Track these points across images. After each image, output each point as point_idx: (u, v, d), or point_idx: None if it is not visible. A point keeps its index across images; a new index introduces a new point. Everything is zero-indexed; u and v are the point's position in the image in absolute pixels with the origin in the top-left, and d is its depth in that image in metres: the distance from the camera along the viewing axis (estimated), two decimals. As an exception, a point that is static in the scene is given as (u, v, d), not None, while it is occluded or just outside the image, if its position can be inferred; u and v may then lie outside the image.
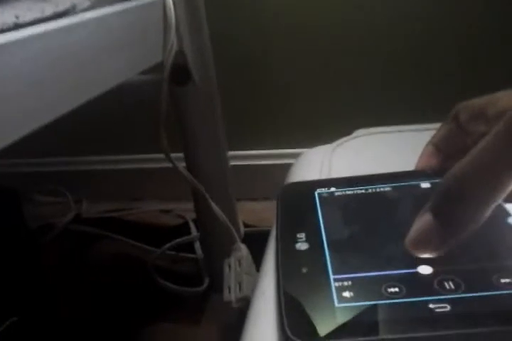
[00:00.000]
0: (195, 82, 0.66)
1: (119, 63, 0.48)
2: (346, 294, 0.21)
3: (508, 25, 0.89)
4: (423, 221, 0.22)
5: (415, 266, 0.22)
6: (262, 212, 1.02)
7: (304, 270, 0.23)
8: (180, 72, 0.64)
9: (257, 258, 0.61)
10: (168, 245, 0.92)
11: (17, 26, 0.39)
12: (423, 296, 0.21)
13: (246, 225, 0.93)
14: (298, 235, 0.26)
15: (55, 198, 1.14)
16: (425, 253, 0.22)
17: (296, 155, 1.10)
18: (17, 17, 0.39)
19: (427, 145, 0.32)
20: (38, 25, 0.40)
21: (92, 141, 1.10)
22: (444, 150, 0.31)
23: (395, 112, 0.88)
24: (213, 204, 0.66)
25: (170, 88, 0.59)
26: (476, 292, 0.21)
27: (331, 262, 0.24)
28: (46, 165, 1.15)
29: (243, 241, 0.64)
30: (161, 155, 0.62)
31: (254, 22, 0.95)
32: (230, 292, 0.60)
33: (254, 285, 0.62)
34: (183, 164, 0.71)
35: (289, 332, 0.20)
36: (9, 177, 1.00)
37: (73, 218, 1.08)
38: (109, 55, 0.46)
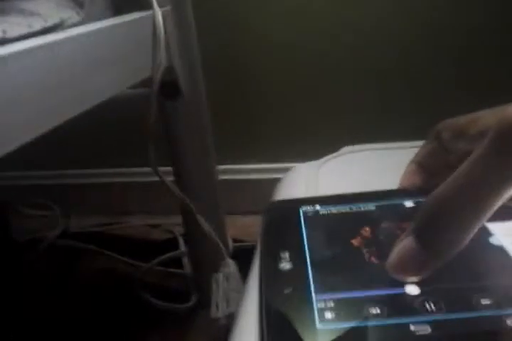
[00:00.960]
0: (184, 97, 0.66)
1: (108, 78, 0.48)
2: (328, 315, 0.21)
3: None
4: (405, 244, 0.21)
5: (402, 287, 0.22)
6: (251, 227, 1.02)
7: (287, 290, 0.23)
8: (169, 87, 0.64)
9: (246, 274, 0.61)
10: (156, 260, 0.92)
11: (4, 41, 0.39)
12: (405, 317, 0.20)
13: (235, 240, 0.92)
14: (281, 254, 0.26)
15: (43, 211, 1.13)
16: (407, 276, 0.22)
17: (284, 170, 1.09)
18: (4, 32, 0.39)
19: (410, 163, 0.32)
20: (25, 40, 0.40)
21: (80, 154, 1.10)
22: (427, 168, 0.31)
23: (382, 129, 0.88)
24: (202, 219, 0.65)
25: (159, 102, 0.59)
26: (457, 313, 0.20)
27: (314, 282, 0.23)
28: (34, 178, 1.15)
29: (232, 256, 0.64)
30: (149, 169, 0.62)
31: (243, 35, 0.96)
32: (217, 308, 0.59)
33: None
34: (171, 178, 0.71)
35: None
36: (-4, 191, 1.00)
37: (61, 232, 1.07)
38: (98, 70, 0.46)
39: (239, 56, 0.98)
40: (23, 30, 0.41)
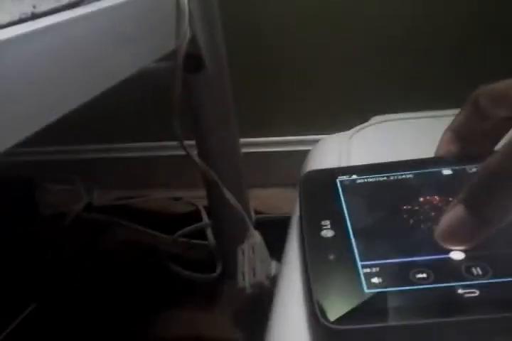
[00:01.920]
0: (207, 70, 0.66)
1: (134, 52, 0.48)
2: (375, 280, 0.22)
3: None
4: (455, 213, 0.22)
5: (447, 252, 0.22)
6: (272, 199, 1.03)
7: (331, 257, 0.24)
8: (192, 60, 0.64)
9: (269, 245, 0.62)
10: (180, 232, 0.93)
11: (34, 16, 0.39)
12: (451, 282, 0.21)
13: (256, 212, 0.93)
14: (322, 222, 0.26)
15: (66, 186, 1.15)
16: (457, 245, 0.22)
17: (306, 143, 1.10)
18: (34, 6, 0.39)
19: (445, 131, 0.32)
20: (54, 14, 0.40)
21: (103, 128, 1.11)
22: (464, 136, 0.31)
23: (411, 99, 0.87)
24: (226, 192, 0.66)
25: (183, 75, 0.59)
26: (504, 277, 0.21)
27: (358, 249, 0.24)
28: (57, 153, 1.16)
29: (254, 228, 0.65)
30: (171, 143, 0.62)
31: (267, 10, 0.95)
32: (243, 278, 0.60)
33: (267, 272, 0.63)
34: (195, 151, 0.71)
35: (321, 318, 0.20)
36: (21, 166, 1.01)
37: (85, 206, 1.09)
38: (124, 45, 0.47)
39: (263, 26, 0.96)
40: (52, 4, 0.41)
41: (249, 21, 0.96)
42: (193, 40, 0.60)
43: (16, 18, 0.36)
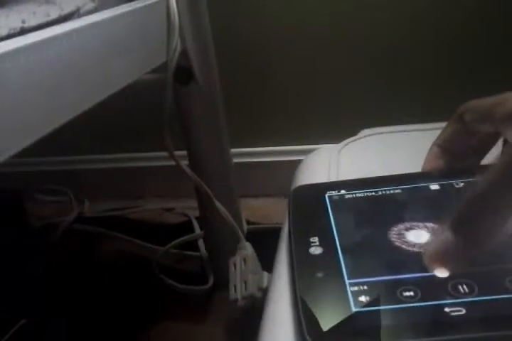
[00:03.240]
0: (197, 82, 0.66)
1: (125, 65, 0.48)
2: (362, 298, 0.22)
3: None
4: (443, 237, 0.22)
5: (433, 269, 0.22)
6: (262, 209, 1.03)
7: (320, 274, 0.24)
8: (182, 72, 0.64)
9: (260, 256, 0.62)
10: (172, 243, 0.93)
11: (23, 31, 0.39)
12: (438, 300, 0.21)
13: (248, 222, 0.93)
14: (311, 239, 0.26)
15: (56, 197, 1.14)
16: (445, 268, 0.22)
17: (296, 153, 1.10)
18: (23, 21, 0.40)
19: (432, 146, 0.32)
20: (43, 29, 0.40)
21: (94, 139, 1.11)
22: (450, 151, 0.31)
23: (399, 112, 0.88)
24: (217, 203, 0.66)
25: (173, 87, 0.59)
26: (490, 295, 0.21)
27: (346, 266, 0.24)
28: (47, 164, 1.16)
29: (246, 238, 0.65)
30: (163, 154, 0.62)
31: (256, 17, 0.95)
32: (235, 290, 0.60)
33: (259, 284, 0.62)
34: (186, 162, 0.71)
35: (307, 336, 0.20)
36: (10, 177, 1.00)
37: (76, 217, 1.08)
38: (116, 57, 0.47)
39: (252, 36, 0.97)
40: (42, 19, 0.41)
41: (240, 33, 0.96)
42: (183, 53, 0.61)
43: (4, 33, 0.36)
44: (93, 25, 0.43)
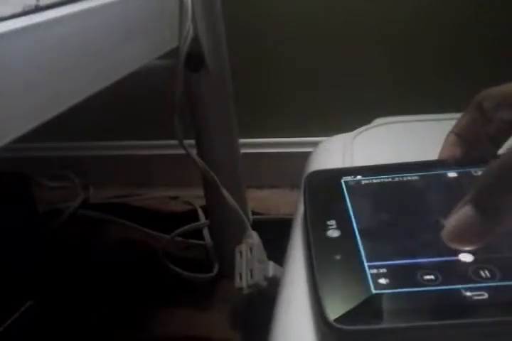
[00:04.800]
0: (208, 69, 0.66)
1: (137, 49, 0.48)
2: (382, 281, 0.22)
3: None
4: (462, 213, 0.21)
5: (456, 254, 0.22)
6: (269, 200, 1.03)
7: (338, 257, 0.23)
8: (193, 59, 0.63)
9: (266, 246, 0.62)
10: (177, 231, 0.93)
11: (38, 8, 0.39)
12: (459, 284, 0.21)
13: (253, 213, 0.93)
14: (328, 222, 0.26)
15: (62, 183, 1.14)
16: (465, 245, 0.21)
17: (304, 145, 1.09)
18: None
19: (449, 134, 0.32)
20: (58, 7, 0.40)
21: (102, 126, 1.10)
22: (467, 139, 0.31)
23: (413, 101, 0.87)
24: (225, 192, 0.66)
25: (185, 73, 0.59)
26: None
27: (364, 249, 0.24)
28: (54, 150, 1.16)
29: (252, 228, 0.65)
30: (170, 142, 0.62)
31: (264, 5, 0.94)
32: (241, 279, 0.60)
33: (265, 273, 0.62)
34: (194, 151, 0.71)
35: (329, 318, 0.20)
36: (18, 162, 1.00)
37: (81, 203, 1.08)
38: (127, 40, 0.46)
39: (265, 26, 0.96)
40: (56, -2, 0.41)
41: (250, 22, 0.95)
42: (195, 39, 0.60)
43: (19, 10, 0.35)
44: (104, 6, 0.43)
